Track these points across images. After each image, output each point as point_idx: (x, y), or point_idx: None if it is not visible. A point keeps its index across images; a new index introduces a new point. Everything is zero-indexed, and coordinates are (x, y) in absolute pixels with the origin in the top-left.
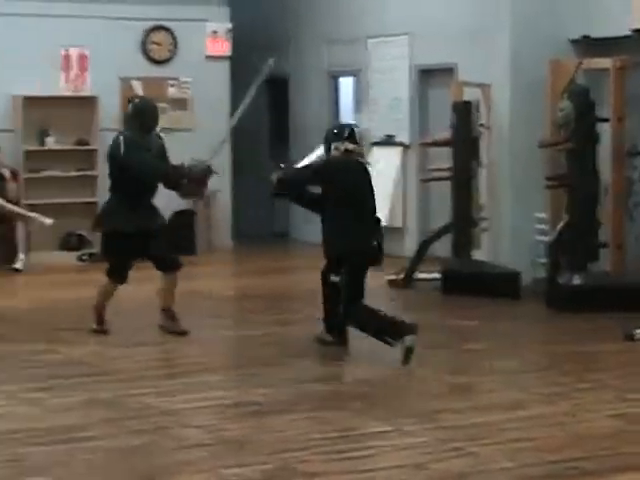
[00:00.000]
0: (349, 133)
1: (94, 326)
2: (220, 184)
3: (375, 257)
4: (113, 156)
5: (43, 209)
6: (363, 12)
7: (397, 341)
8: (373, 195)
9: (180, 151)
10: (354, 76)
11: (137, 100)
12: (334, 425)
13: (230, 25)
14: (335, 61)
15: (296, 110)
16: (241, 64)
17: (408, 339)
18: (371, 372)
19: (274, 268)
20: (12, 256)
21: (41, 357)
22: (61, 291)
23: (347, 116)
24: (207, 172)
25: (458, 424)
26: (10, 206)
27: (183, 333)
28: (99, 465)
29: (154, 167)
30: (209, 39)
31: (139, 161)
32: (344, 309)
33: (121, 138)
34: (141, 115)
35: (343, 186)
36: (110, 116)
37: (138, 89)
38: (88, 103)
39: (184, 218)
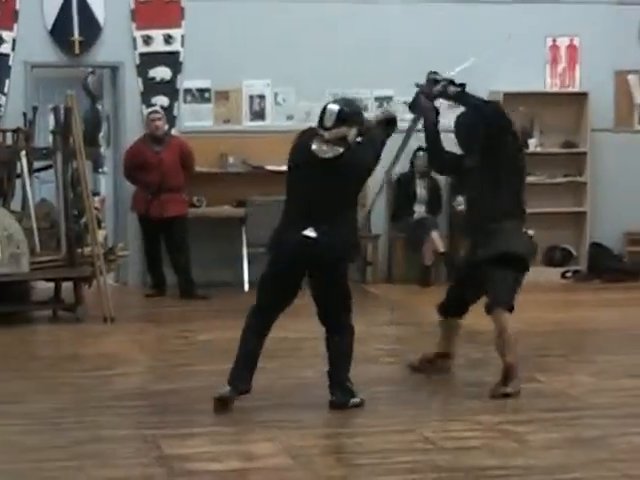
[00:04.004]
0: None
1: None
2: None
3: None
4: None
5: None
6: None
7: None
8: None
9: None
10: None
11: None
12: None
13: None
14: None
15: None
16: None
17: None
18: None
19: None
20: None
21: (523, 386)
22: (544, 312)
23: None
24: None
25: None
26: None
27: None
28: None
29: None
30: None
31: None
32: None
33: None
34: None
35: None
36: (603, 115)
37: (635, 85)
38: (577, 100)
39: None
